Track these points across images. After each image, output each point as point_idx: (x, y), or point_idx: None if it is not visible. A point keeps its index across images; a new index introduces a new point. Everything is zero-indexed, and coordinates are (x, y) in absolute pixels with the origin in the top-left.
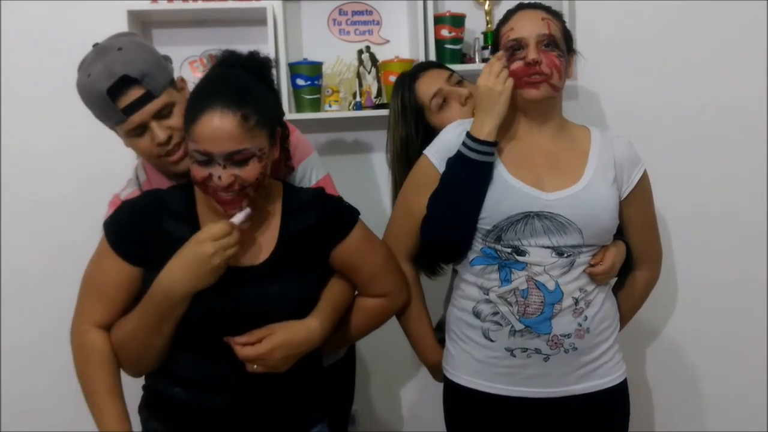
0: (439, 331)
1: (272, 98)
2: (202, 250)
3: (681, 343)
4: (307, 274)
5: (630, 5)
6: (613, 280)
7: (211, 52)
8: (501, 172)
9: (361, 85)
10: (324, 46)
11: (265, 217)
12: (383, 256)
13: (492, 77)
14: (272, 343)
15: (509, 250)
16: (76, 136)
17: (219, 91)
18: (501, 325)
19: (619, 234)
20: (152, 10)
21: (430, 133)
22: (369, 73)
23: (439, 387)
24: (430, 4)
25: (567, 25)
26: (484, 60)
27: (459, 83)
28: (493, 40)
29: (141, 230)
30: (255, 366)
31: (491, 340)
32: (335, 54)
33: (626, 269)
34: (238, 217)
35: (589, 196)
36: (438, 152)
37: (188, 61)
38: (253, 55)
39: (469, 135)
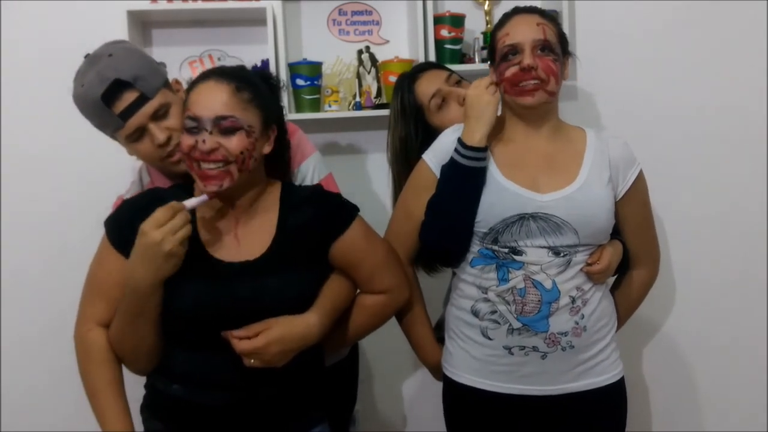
0: (438, 330)
1: (271, 93)
2: (149, 239)
3: (679, 342)
4: (306, 270)
5: (630, 5)
6: (611, 279)
7: (210, 52)
8: (494, 175)
9: (360, 85)
10: (324, 46)
11: (262, 213)
12: (384, 253)
13: (480, 88)
14: (269, 337)
15: (506, 250)
16: (76, 137)
17: (219, 69)
18: (499, 323)
19: (617, 233)
20: (152, 10)
21: (429, 133)
22: (369, 73)
23: (440, 387)
24: (429, 4)
25: (566, 25)
26: (484, 60)
27: (458, 83)
28: (490, 44)
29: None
30: (252, 360)
31: (489, 339)
32: (335, 54)
33: (623, 268)
34: (190, 202)
35: (583, 197)
36: (435, 157)
37: (188, 61)
38: (263, 70)
39: (460, 142)
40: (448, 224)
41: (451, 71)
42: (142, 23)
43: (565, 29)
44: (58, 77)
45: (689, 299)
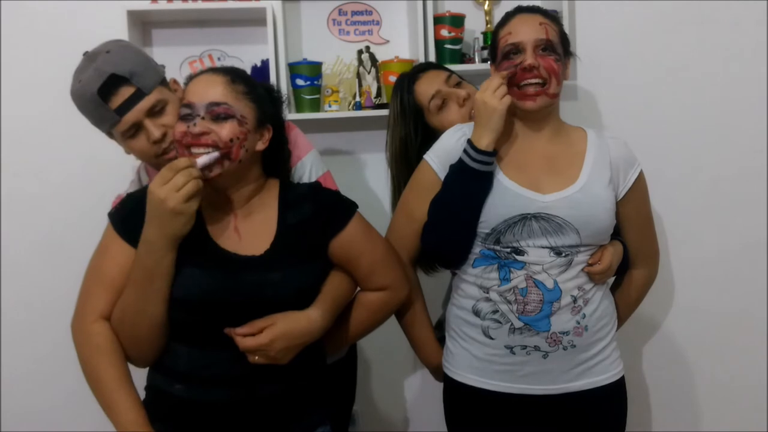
0: (438, 330)
1: (268, 93)
2: (154, 197)
3: (679, 342)
4: (308, 265)
5: (630, 6)
6: (611, 279)
7: (210, 52)
8: (497, 176)
9: (360, 85)
10: (324, 46)
11: (262, 210)
12: (383, 249)
13: (489, 92)
14: (273, 333)
15: (508, 250)
16: (76, 136)
17: (217, 67)
18: (500, 323)
19: (617, 233)
20: (152, 10)
21: (429, 133)
22: (369, 73)
23: (440, 386)
24: (429, 4)
25: (566, 25)
26: (484, 60)
27: (458, 84)
28: (491, 43)
29: (144, 217)
30: (256, 357)
31: (491, 338)
32: (335, 54)
33: (624, 268)
34: (202, 159)
35: (585, 197)
36: (438, 157)
37: (188, 61)
38: (267, 83)
39: (470, 143)
40: (452, 226)
41: (451, 72)
42: (142, 23)
43: (565, 29)
44: (58, 77)
45: (689, 299)
